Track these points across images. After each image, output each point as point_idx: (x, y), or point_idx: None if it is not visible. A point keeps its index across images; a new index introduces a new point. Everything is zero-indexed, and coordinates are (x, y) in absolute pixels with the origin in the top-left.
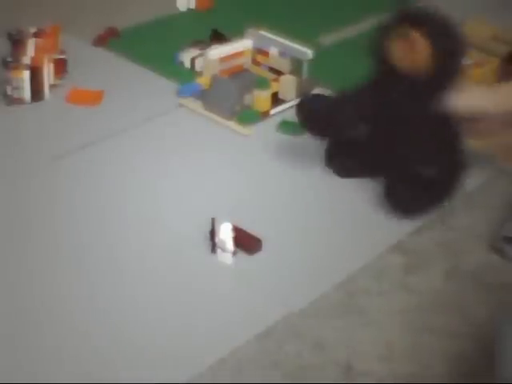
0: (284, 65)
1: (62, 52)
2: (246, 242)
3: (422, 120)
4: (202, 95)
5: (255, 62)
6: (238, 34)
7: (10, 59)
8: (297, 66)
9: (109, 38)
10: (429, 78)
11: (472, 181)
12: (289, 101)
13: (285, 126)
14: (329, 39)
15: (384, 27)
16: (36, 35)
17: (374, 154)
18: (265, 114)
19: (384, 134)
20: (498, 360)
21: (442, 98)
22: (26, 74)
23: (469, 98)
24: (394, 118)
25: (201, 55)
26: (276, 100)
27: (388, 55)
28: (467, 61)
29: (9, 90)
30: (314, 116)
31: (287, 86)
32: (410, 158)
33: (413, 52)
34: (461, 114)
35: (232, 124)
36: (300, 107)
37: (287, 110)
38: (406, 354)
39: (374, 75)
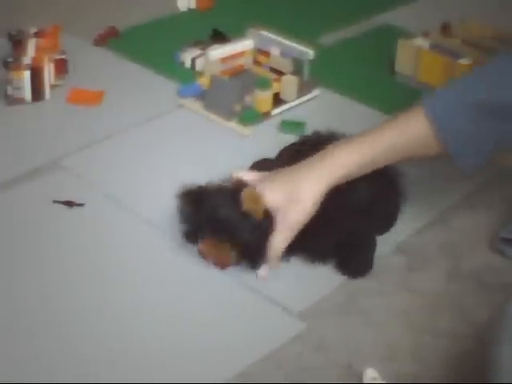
0: (285, 65)
1: (63, 52)
2: None
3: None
4: (203, 95)
5: (256, 63)
6: (239, 34)
7: (10, 59)
8: (298, 66)
9: (109, 38)
10: None
11: (473, 181)
12: (290, 101)
13: (286, 126)
14: (330, 39)
15: None
16: (36, 35)
17: None
18: (266, 115)
19: None
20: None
21: None
22: (26, 74)
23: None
24: None
25: (201, 55)
26: (277, 100)
27: None
28: (467, 60)
29: (9, 90)
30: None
31: (288, 86)
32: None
33: None
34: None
35: (233, 124)
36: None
37: (288, 110)
38: (408, 354)
39: None
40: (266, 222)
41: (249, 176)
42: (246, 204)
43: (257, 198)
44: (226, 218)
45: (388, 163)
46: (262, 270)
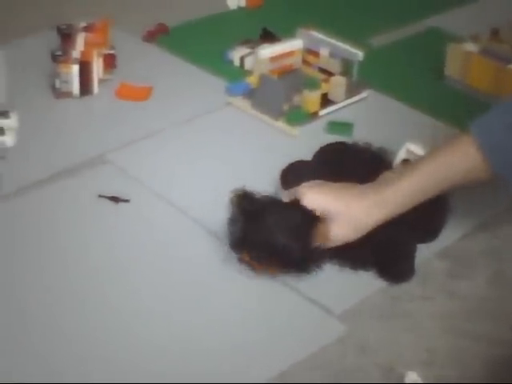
0: (334, 66)
1: (112, 47)
2: None
3: None
4: (251, 94)
5: (305, 62)
6: (289, 33)
7: (58, 53)
8: (347, 67)
9: (158, 35)
10: None
11: None
12: (338, 102)
13: (333, 127)
14: (379, 41)
15: None
16: (85, 30)
17: None
18: (314, 115)
19: None
20: None
21: None
22: (74, 68)
23: None
24: None
25: (251, 54)
26: (325, 101)
27: None
28: None
29: (57, 84)
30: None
31: (337, 87)
32: None
33: None
34: None
35: (280, 124)
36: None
37: (336, 111)
38: (448, 358)
39: None
40: (320, 250)
41: (309, 195)
42: (318, 241)
43: (328, 237)
44: (284, 247)
45: (441, 190)
46: None
